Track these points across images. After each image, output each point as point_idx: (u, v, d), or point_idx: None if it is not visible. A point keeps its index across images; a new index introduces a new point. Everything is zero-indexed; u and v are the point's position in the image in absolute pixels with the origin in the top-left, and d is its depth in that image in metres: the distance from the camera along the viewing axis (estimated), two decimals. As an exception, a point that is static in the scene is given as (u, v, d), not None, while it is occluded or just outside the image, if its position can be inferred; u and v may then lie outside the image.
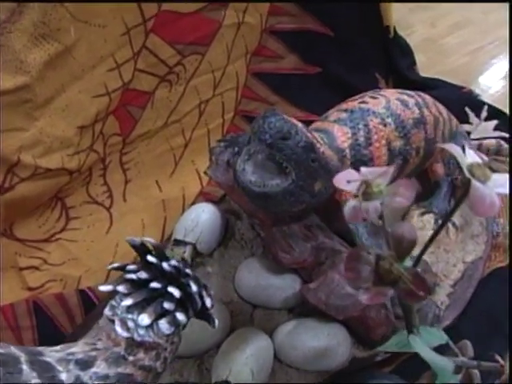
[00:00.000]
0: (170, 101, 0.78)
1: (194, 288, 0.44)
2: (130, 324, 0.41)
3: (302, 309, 0.66)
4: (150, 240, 0.45)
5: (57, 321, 0.67)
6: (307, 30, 0.87)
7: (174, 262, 0.44)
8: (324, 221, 0.64)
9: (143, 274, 0.43)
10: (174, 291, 0.42)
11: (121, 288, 0.42)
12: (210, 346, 0.63)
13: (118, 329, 0.41)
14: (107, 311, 0.42)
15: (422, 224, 0.70)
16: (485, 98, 0.96)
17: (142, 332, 0.41)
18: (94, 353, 0.40)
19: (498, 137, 0.77)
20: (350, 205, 0.33)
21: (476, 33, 1.16)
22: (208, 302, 0.45)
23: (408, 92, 0.68)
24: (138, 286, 0.43)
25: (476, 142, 0.77)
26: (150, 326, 0.41)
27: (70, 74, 0.65)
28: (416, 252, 0.37)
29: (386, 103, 0.64)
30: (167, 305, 0.42)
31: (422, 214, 0.72)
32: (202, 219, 0.69)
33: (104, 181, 0.76)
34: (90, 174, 0.75)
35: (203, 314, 0.46)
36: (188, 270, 0.45)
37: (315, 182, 0.55)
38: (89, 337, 0.43)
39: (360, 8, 0.87)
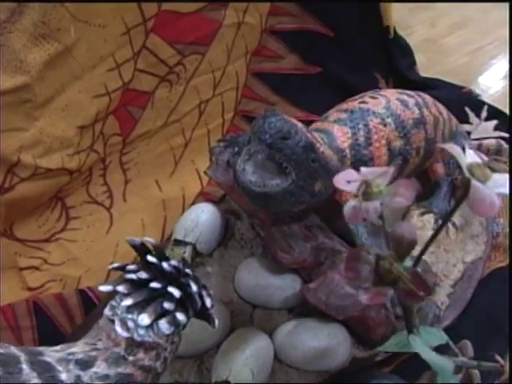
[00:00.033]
0: (170, 101, 0.78)
1: (194, 288, 0.44)
2: (130, 324, 0.41)
3: (301, 309, 0.66)
4: (150, 240, 0.45)
5: (57, 321, 0.67)
6: (307, 30, 0.87)
7: (173, 262, 0.44)
8: (324, 221, 0.64)
9: (143, 274, 0.43)
10: (174, 291, 0.42)
11: (121, 288, 0.42)
12: (210, 346, 0.63)
13: (118, 329, 0.41)
14: (107, 311, 0.42)
15: (422, 224, 0.70)
16: (485, 97, 0.96)
17: (141, 332, 0.41)
18: (94, 353, 0.40)
19: (497, 137, 0.77)
20: (349, 205, 0.33)
21: (476, 33, 1.16)
22: (208, 302, 0.45)
23: (408, 92, 0.68)
24: (137, 286, 0.43)
25: (476, 142, 0.77)
26: (149, 326, 0.41)
27: (70, 74, 0.65)
28: (416, 252, 0.37)
29: (385, 103, 0.64)
30: (167, 305, 0.42)
31: (422, 213, 0.72)
32: (201, 219, 0.69)
33: (104, 181, 0.76)
34: (90, 173, 0.75)
35: (203, 314, 0.46)
36: (188, 270, 0.45)
37: (315, 182, 0.55)
38: (89, 337, 0.43)
39: (360, 8, 0.87)
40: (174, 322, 0.42)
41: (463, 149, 0.32)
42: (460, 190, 0.72)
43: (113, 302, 0.43)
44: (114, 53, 0.69)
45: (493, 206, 0.30)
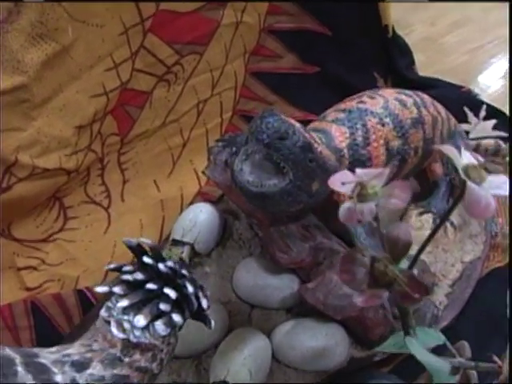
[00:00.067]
0: (168, 100, 0.78)
1: (190, 289, 0.43)
2: (126, 325, 0.41)
3: (300, 309, 0.66)
4: (147, 241, 0.45)
5: (54, 321, 0.67)
6: (306, 29, 0.87)
7: (170, 263, 0.44)
8: (322, 221, 0.64)
9: (139, 275, 0.43)
10: (170, 292, 0.42)
11: (117, 289, 0.42)
12: (208, 347, 0.63)
13: (114, 330, 0.41)
14: (103, 312, 0.42)
15: (421, 224, 0.70)
16: (484, 97, 0.96)
17: (137, 333, 0.41)
18: (89, 354, 0.40)
19: (496, 136, 0.77)
20: (344, 206, 0.33)
21: (475, 31, 1.16)
22: (204, 303, 0.45)
23: (406, 92, 0.68)
24: (134, 287, 0.43)
25: (474, 142, 0.77)
26: (145, 328, 0.41)
27: (68, 74, 0.65)
28: (414, 252, 0.37)
29: (384, 103, 0.64)
30: (163, 306, 0.42)
31: (421, 213, 0.71)
32: (200, 219, 0.69)
33: (102, 181, 0.76)
34: (87, 173, 0.74)
35: (199, 315, 0.46)
36: (184, 271, 0.44)
37: (313, 182, 0.55)
38: (85, 338, 0.43)
39: (359, 7, 0.86)
40: (170, 324, 0.42)
41: (459, 150, 0.32)
42: (458, 189, 0.72)
43: (109, 303, 0.43)
44: (111, 53, 0.68)
45: (488, 208, 0.30)
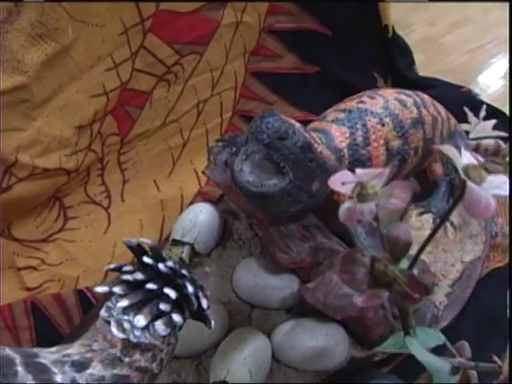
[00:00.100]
0: (168, 100, 0.78)
1: (190, 289, 0.43)
2: (126, 325, 0.41)
3: (300, 309, 0.66)
4: (147, 241, 0.45)
5: (54, 321, 0.67)
6: (306, 29, 0.87)
7: (170, 263, 0.44)
8: (322, 221, 0.64)
9: (139, 275, 0.43)
10: (170, 292, 0.42)
11: (117, 289, 0.42)
12: (208, 347, 0.63)
13: (114, 330, 0.41)
14: (103, 312, 0.42)
15: (421, 224, 0.70)
16: (484, 97, 0.96)
17: (137, 333, 0.41)
18: (89, 354, 0.40)
19: (496, 136, 0.77)
20: (344, 206, 0.33)
21: (475, 31, 1.16)
22: (204, 303, 0.45)
23: (406, 92, 0.68)
24: (134, 287, 0.43)
25: (474, 142, 0.77)
26: (145, 328, 0.41)
27: (68, 74, 0.65)
28: (414, 252, 0.37)
29: (384, 103, 0.64)
30: (163, 306, 0.42)
31: (421, 213, 0.71)
32: (200, 219, 0.69)
33: (102, 181, 0.76)
34: (88, 173, 0.74)
35: (199, 315, 0.46)
36: (184, 271, 0.44)
37: (313, 182, 0.55)
38: (85, 338, 0.43)
39: (359, 7, 0.86)
40: (170, 324, 0.42)
41: (459, 150, 0.32)
42: (458, 189, 0.72)
43: (109, 303, 0.43)
44: (111, 53, 0.68)
45: (488, 208, 0.30)
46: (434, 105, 0.70)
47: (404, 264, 0.36)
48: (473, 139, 0.77)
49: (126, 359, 0.41)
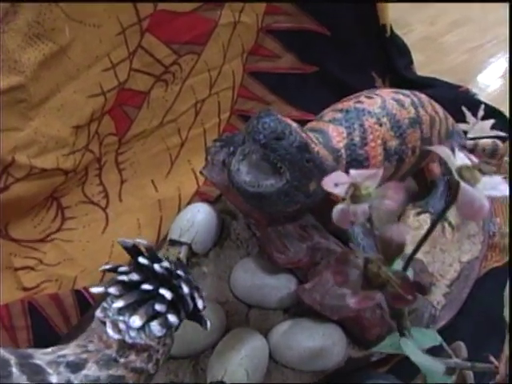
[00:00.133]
0: (166, 100, 0.78)
1: (186, 290, 0.43)
2: (122, 326, 0.41)
3: (297, 309, 0.66)
4: (142, 241, 0.45)
5: (52, 321, 0.67)
6: (304, 29, 0.87)
7: (165, 264, 0.44)
8: (319, 221, 0.64)
9: (135, 276, 0.43)
10: (166, 293, 0.42)
11: (112, 290, 0.42)
12: (205, 347, 0.63)
13: (110, 331, 0.41)
14: (99, 313, 0.42)
15: (418, 224, 0.70)
16: (483, 96, 0.96)
17: (133, 334, 0.41)
18: (85, 355, 0.40)
19: (494, 136, 0.77)
20: (338, 207, 0.33)
21: (475, 31, 1.16)
22: (200, 304, 0.45)
23: (404, 91, 0.68)
24: (129, 287, 0.43)
25: (472, 142, 0.77)
26: (141, 328, 0.41)
27: (65, 74, 0.65)
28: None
29: (381, 103, 0.64)
30: (159, 307, 0.42)
31: (418, 213, 0.71)
32: (197, 219, 0.69)
33: (100, 181, 0.76)
34: (85, 173, 0.74)
35: (195, 316, 0.46)
36: (180, 272, 0.44)
37: (310, 182, 0.55)
38: (80, 339, 0.43)
39: (357, 7, 0.86)
40: (166, 324, 0.42)
41: (453, 151, 0.32)
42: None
43: (104, 304, 0.43)
44: (109, 53, 0.68)
45: (482, 210, 0.30)
46: (432, 104, 0.70)
47: (399, 264, 0.36)
48: (471, 139, 0.77)
49: (122, 360, 0.41)
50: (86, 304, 0.69)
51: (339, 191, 0.33)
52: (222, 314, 0.64)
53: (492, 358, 0.44)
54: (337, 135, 0.60)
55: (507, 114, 0.89)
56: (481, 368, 0.43)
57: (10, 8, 0.58)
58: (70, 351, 0.41)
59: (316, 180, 0.55)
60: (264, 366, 0.61)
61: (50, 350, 0.41)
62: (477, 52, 1.12)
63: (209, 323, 0.46)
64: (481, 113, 0.78)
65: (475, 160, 0.32)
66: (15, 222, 0.69)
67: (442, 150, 0.31)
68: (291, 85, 0.89)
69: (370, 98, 0.65)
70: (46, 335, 0.66)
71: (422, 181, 0.75)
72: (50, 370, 0.38)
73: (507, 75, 1.06)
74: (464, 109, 0.79)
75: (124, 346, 0.41)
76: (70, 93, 0.66)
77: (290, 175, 0.53)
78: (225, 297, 0.67)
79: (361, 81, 0.89)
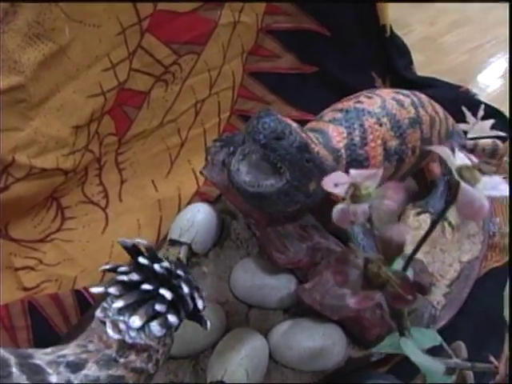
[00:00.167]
0: (166, 100, 0.78)
1: (186, 290, 0.43)
2: (122, 326, 0.41)
3: (297, 309, 0.66)
4: (142, 241, 0.45)
5: (52, 321, 0.67)
6: (304, 29, 0.87)
7: (165, 264, 0.44)
8: (319, 221, 0.64)
9: (135, 276, 0.43)
10: (166, 293, 0.42)
11: (112, 290, 0.42)
12: (205, 347, 0.63)
13: (110, 331, 0.41)
14: (99, 313, 0.42)
15: (418, 223, 0.70)
16: (483, 96, 0.96)
17: (133, 334, 0.41)
18: (84, 355, 0.40)
19: (494, 136, 0.77)
20: (338, 207, 0.33)
21: (475, 31, 1.16)
22: (200, 304, 0.45)
23: (404, 91, 0.68)
24: (129, 287, 0.43)
25: (472, 142, 0.77)
26: (141, 328, 0.41)
27: (65, 74, 0.65)
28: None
29: (381, 103, 0.64)
30: (159, 307, 0.42)
31: (418, 213, 0.71)
32: (197, 219, 0.69)
33: (99, 181, 0.76)
34: (85, 173, 0.74)
35: (195, 316, 0.46)
36: (180, 272, 0.44)
37: (310, 182, 0.55)
38: (80, 339, 0.43)
39: (356, 7, 0.87)
40: (166, 324, 0.42)
41: (453, 151, 0.32)
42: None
43: (104, 304, 0.43)
44: (109, 53, 0.68)
45: (482, 210, 0.30)
46: (432, 104, 0.70)
47: (399, 264, 0.35)
48: (471, 139, 0.77)
49: (122, 360, 0.41)
50: (85, 304, 0.69)
51: (339, 191, 0.33)
52: (221, 314, 0.64)
53: (492, 358, 0.44)
54: (337, 135, 0.60)
55: (507, 114, 0.89)
56: (481, 368, 0.43)
57: (10, 8, 0.58)
58: (69, 351, 0.41)
59: (316, 180, 0.55)
60: (264, 366, 0.61)
61: (49, 349, 0.41)
62: (477, 52, 1.12)
63: (209, 323, 0.46)
64: (481, 113, 0.78)
65: (475, 160, 0.32)
66: (15, 222, 0.69)
67: (442, 150, 0.31)
68: (291, 85, 0.90)
69: (369, 98, 0.65)
70: (45, 335, 0.66)
71: (422, 181, 0.75)
72: (49, 370, 0.38)
73: (507, 75, 1.06)
74: (464, 109, 0.79)
75: (124, 346, 0.41)
76: (70, 93, 0.66)
77: (289, 175, 0.53)
78: (225, 297, 0.67)
79: (361, 81, 0.89)
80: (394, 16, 0.93)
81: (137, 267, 0.44)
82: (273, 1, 0.83)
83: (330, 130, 0.60)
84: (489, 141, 0.76)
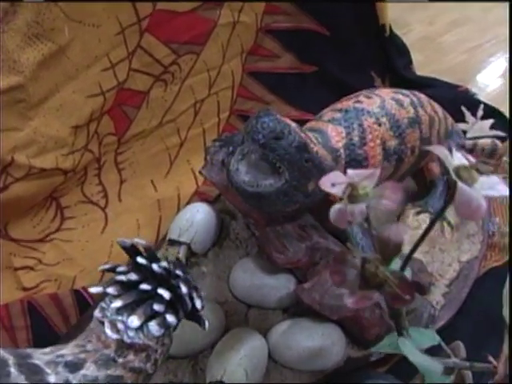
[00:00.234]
0: (165, 100, 0.78)
1: (184, 289, 0.43)
2: (120, 326, 0.41)
3: (296, 309, 0.66)
4: (141, 241, 0.45)
5: (51, 321, 0.67)
6: (303, 29, 0.87)
7: (163, 264, 0.44)
8: (318, 220, 0.64)
9: (133, 276, 0.43)
10: (164, 293, 0.42)
11: (111, 290, 0.42)
12: (205, 346, 0.63)
13: (108, 331, 0.41)
14: (97, 313, 0.42)
15: (418, 223, 0.70)
16: (482, 96, 0.96)
17: (131, 334, 0.41)
18: (83, 355, 0.40)
19: (494, 136, 0.77)
20: (335, 207, 0.33)
21: (474, 31, 1.16)
22: (198, 304, 0.45)
23: (403, 91, 0.68)
24: (128, 287, 0.43)
25: (471, 142, 0.77)
26: (139, 328, 0.41)
27: (64, 74, 0.65)
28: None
29: (380, 103, 0.64)
30: (157, 306, 0.42)
31: (418, 213, 0.71)
32: (196, 219, 0.69)
33: (99, 180, 0.76)
34: (84, 173, 0.74)
35: (193, 316, 0.46)
36: (178, 272, 0.44)
37: (309, 182, 0.55)
38: (79, 339, 0.43)
39: (356, 7, 0.86)
40: (164, 324, 0.42)
41: (450, 150, 0.32)
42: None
43: (103, 304, 0.43)
44: (108, 52, 0.68)
45: (479, 209, 0.30)
46: (431, 104, 0.70)
47: (397, 264, 0.36)
48: (470, 139, 0.77)
49: (120, 360, 0.41)
50: (85, 304, 0.69)
51: (337, 191, 0.33)
52: (221, 314, 0.64)
53: (491, 358, 0.44)
54: (336, 135, 0.60)
55: (507, 113, 0.89)
56: (479, 368, 0.43)
57: (10, 8, 0.58)
58: (68, 351, 0.41)
59: (315, 180, 0.55)
60: (263, 365, 0.61)
61: (48, 349, 0.41)
62: (476, 52, 1.12)
63: (207, 323, 0.46)
64: (480, 112, 0.78)
65: (473, 160, 0.32)
66: (14, 222, 0.69)
67: (440, 150, 0.31)
68: (290, 85, 0.90)
69: (369, 97, 0.65)
70: (45, 335, 0.66)
71: (422, 180, 0.75)
72: (48, 370, 0.38)
73: (507, 75, 1.06)
74: (463, 108, 0.79)
75: (122, 346, 0.41)
76: (69, 93, 0.66)
77: (288, 175, 0.53)
78: (224, 297, 0.67)
79: (360, 80, 0.89)
80: (394, 15, 0.93)
81: (135, 267, 0.44)
82: (272, 0, 0.82)
83: (329, 130, 0.60)
84: (488, 140, 0.76)
